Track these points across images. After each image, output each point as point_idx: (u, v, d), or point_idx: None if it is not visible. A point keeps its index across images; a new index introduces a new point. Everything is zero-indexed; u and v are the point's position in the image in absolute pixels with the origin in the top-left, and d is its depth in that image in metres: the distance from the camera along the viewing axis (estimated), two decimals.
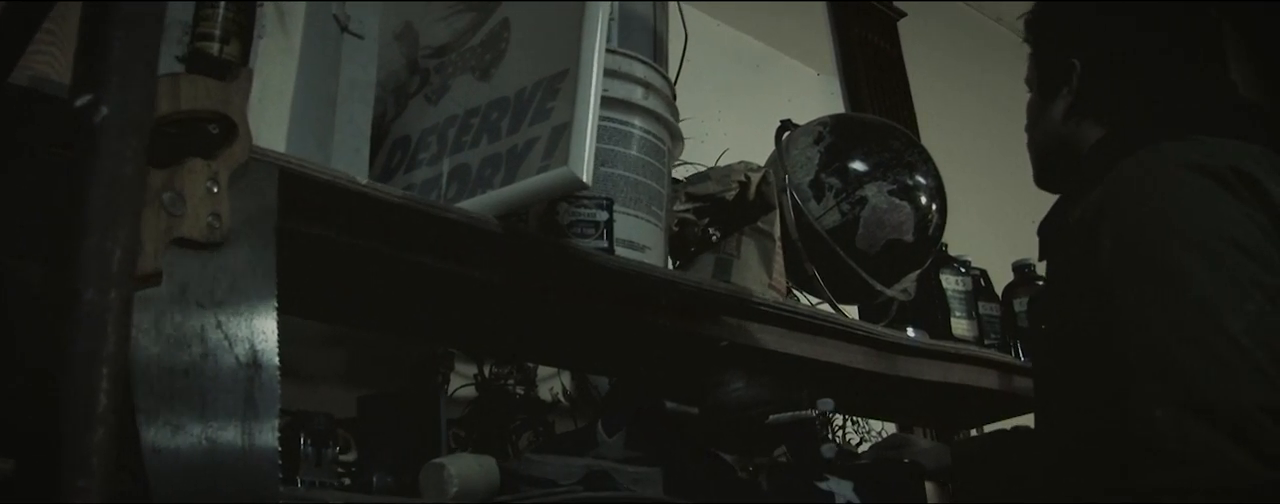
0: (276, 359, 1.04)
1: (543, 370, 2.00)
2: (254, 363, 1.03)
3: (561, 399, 2.00)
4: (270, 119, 1.26)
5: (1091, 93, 1.35)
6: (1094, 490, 1.13)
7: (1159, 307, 1.09)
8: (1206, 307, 1.07)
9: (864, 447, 2.56)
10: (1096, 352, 1.14)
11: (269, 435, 1.01)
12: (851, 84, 2.86)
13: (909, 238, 1.83)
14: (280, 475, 1.00)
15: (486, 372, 1.92)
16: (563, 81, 1.28)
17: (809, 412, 1.37)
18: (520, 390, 1.97)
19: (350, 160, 1.37)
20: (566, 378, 2.03)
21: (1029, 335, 2.03)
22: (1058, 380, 1.27)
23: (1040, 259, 1.43)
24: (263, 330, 1.05)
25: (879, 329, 1.79)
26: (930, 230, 1.86)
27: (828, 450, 1.37)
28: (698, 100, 2.51)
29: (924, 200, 1.89)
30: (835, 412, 1.47)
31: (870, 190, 1.79)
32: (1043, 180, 1.48)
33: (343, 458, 1.33)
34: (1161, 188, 1.16)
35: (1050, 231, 1.39)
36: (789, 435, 1.36)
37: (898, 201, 1.81)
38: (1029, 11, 1.50)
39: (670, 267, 1.71)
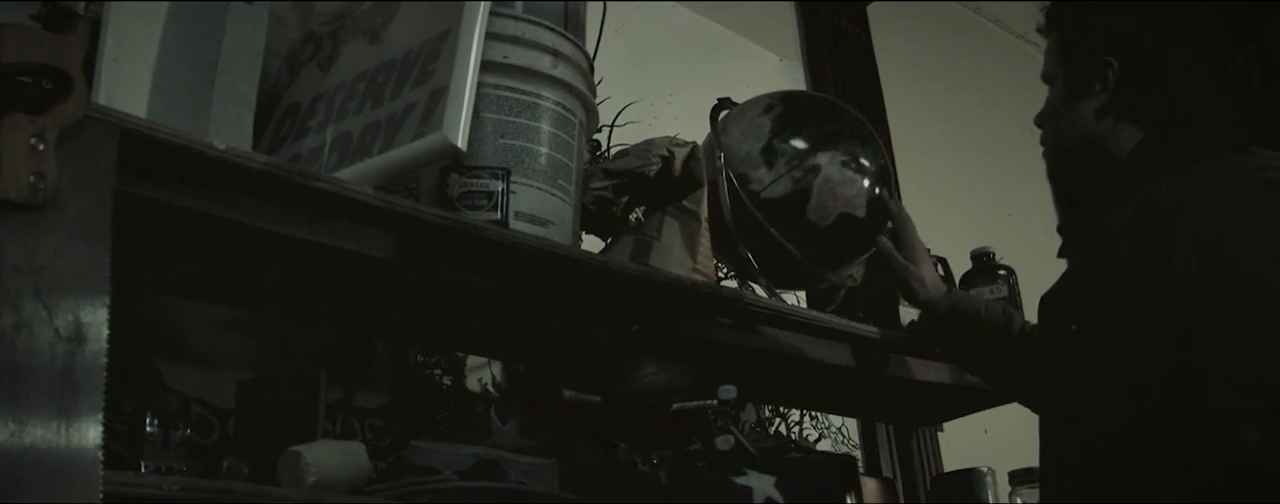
0: (105, 332, 0.96)
1: (473, 360, 1.92)
2: (78, 336, 0.95)
3: (490, 389, 1.92)
4: (130, 80, 1.18)
5: (1130, 93, 1.32)
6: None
7: (1246, 323, 1.07)
8: None
9: (824, 444, 2.48)
10: (1159, 358, 1.12)
11: (90, 419, 0.92)
12: (816, 71, 2.76)
13: (861, 213, 1.73)
14: (102, 461, 0.91)
15: (412, 360, 1.84)
16: (444, 42, 1.19)
17: (710, 401, 1.28)
18: (448, 380, 1.89)
19: (232, 129, 1.29)
20: (497, 368, 1.94)
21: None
22: (1095, 384, 1.23)
23: (1060, 256, 1.41)
24: (91, 301, 0.96)
25: (816, 315, 1.70)
26: (882, 206, 1.77)
27: (723, 442, 1.27)
28: (649, 83, 2.42)
29: (869, 183, 1.80)
30: (739, 399, 1.37)
31: (824, 159, 1.70)
32: (1060, 177, 1.44)
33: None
34: (1242, 203, 1.16)
35: (1078, 231, 1.37)
36: (689, 426, 1.27)
37: (851, 174, 1.72)
38: (1049, 3, 1.46)
39: (580, 245, 1.63)
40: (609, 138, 2.27)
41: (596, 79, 2.25)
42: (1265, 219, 1.14)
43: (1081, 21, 1.41)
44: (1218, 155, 1.22)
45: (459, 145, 1.11)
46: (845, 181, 1.72)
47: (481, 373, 1.94)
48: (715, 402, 1.28)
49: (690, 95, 2.42)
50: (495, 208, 1.27)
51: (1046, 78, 1.46)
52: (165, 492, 0.96)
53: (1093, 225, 1.34)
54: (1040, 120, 1.47)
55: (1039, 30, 1.49)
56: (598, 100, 2.26)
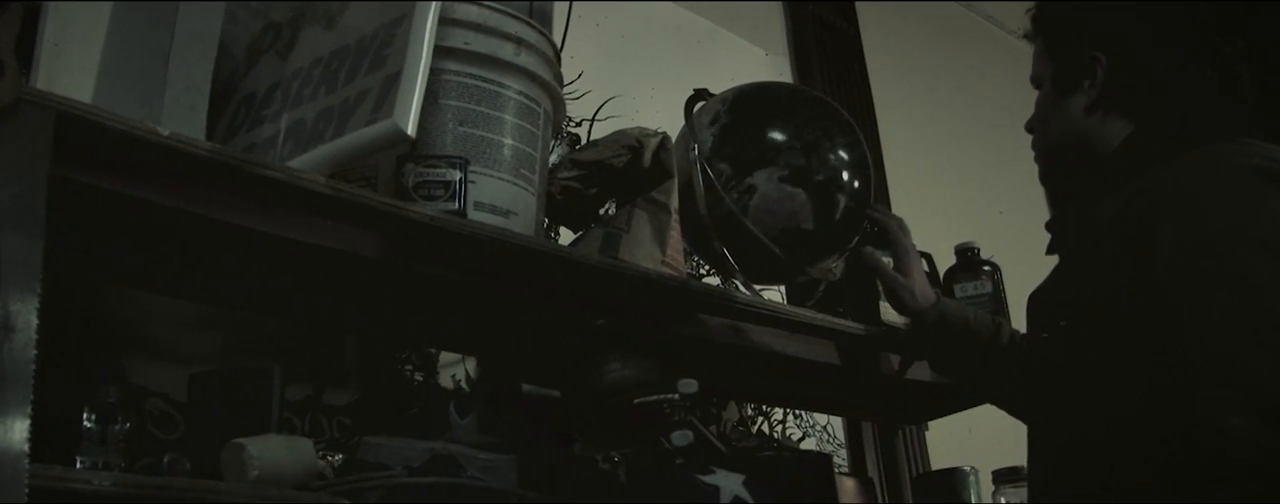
0: (35, 321, 0.93)
1: (446, 356, 1.88)
2: (6, 326, 0.91)
3: (463, 386, 1.89)
4: (73, 67, 1.15)
5: (1119, 88, 1.33)
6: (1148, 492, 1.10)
7: (1230, 313, 1.07)
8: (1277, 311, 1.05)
9: (808, 442, 2.45)
10: (1147, 353, 1.11)
11: (18, 412, 0.89)
12: (803, 66, 2.73)
13: (808, 225, 1.68)
14: (27, 455, 0.88)
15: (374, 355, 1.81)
16: (399, 27, 1.16)
17: (671, 395, 1.25)
18: (419, 376, 1.86)
19: (185, 118, 1.26)
20: (471, 364, 1.91)
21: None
22: (1084, 380, 1.22)
23: (1048, 253, 1.40)
24: (21, 289, 0.93)
25: (793, 310, 1.67)
26: (839, 213, 1.71)
27: (681, 438, 1.24)
28: (631, 77, 2.39)
29: (847, 176, 1.76)
30: (720, 397, 1.34)
31: (759, 178, 1.65)
32: (1052, 176, 1.44)
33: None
34: (1227, 192, 1.15)
35: (1067, 227, 1.37)
36: (647, 421, 1.24)
37: (790, 189, 1.67)
38: (1035, 6, 1.47)
39: (558, 238, 1.60)
40: (589, 132, 2.24)
41: (577, 73, 2.23)
42: (1250, 208, 1.13)
43: (1068, 20, 1.41)
44: (1205, 145, 1.21)
45: (408, 132, 1.08)
46: (783, 197, 1.65)
47: (455, 369, 1.92)
48: (675, 396, 1.25)
49: (673, 90, 2.39)
50: (453, 198, 1.24)
51: (1035, 80, 1.47)
52: (96, 487, 0.93)
53: (1081, 220, 1.33)
54: (1031, 125, 1.47)
55: (1026, 36, 1.49)
56: (578, 94, 2.25)
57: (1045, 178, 1.45)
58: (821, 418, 2.44)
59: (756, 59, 2.70)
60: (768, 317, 1.61)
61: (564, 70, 1.87)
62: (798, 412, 2.38)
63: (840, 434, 2.49)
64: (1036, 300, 1.40)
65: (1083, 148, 1.35)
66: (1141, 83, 1.32)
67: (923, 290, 1.61)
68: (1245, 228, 1.11)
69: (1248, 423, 1.00)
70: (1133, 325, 1.14)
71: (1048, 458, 1.31)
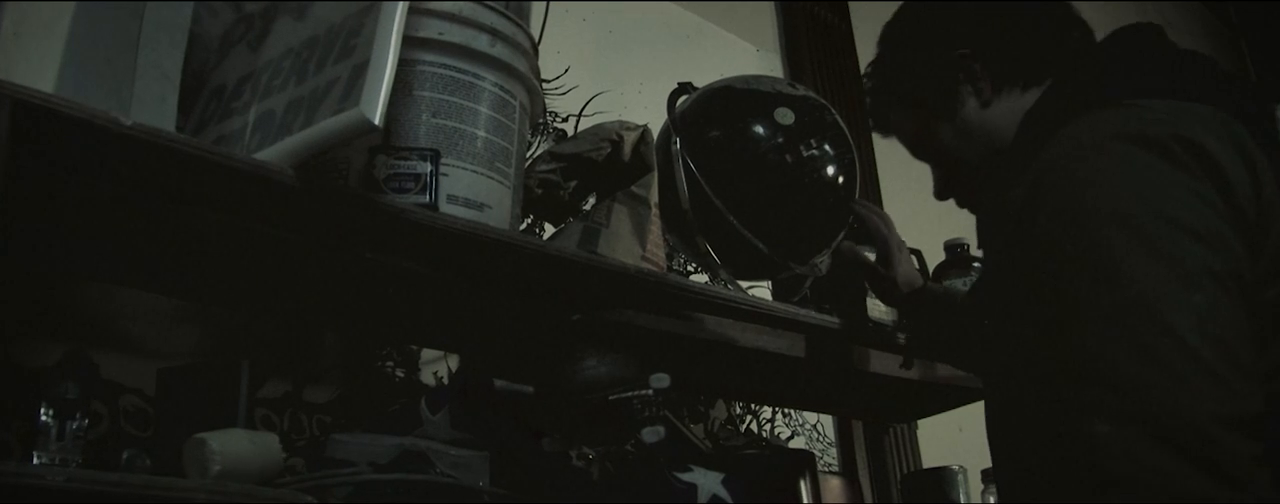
0: None
1: (428, 353, 1.86)
2: None
3: (443, 382, 1.87)
4: (33, 56, 1.13)
5: (1001, 63, 1.22)
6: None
7: (1095, 304, 0.94)
8: (1147, 303, 0.91)
9: (797, 441, 2.42)
10: (1031, 353, 1.00)
11: None
12: (795, 62, 2.71)
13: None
14: None
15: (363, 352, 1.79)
16: (367, 16, 1.14)
17: (644, 391, 1.22)
18: (400, 373, 1.84)
19: (155, 109, 1.24)
20: (454, 361, 1.89)
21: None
22: (999, 383, 1.14)
23: (979, 246, 1.28)
24: None
25: (772, 304, 1.64)
26: (824, 208, 1.70)
27: (651, 435, 1.21)
28: (620, 73, 2.37)
29: (832, 171, 1.74)
30: (708, 394, 1.32)
31: None
32: (957, 188, 1.32)
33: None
34: (1094, 165, 1.01)
35: (988, 214, 1.24)
36: (618, 418, 1.22)
37: None
38: (870, 66, 1.38)
39: (542, 233, 1.57)
40: (576, 127, 2.22)
41: (563, 68, 2.21)
42: (1121, 188, 0.98)
43: (904, 49, 1.33)
44: (1086, 113, 1.08)
45: (375, 122, 1.06)
46: None
47: (437, 366, 1.89)
48: (648, 391, 1.23)
49: (662, 85, 2.37)
50: (424, 191, 1.22)
51: (920, 149, 1.34)
52: (50, 483, 0.91)
53: (995, 207, 1.18)
54: (942, 191, 1.34)
55: (879, 129, 1.41)
56: (564, 89, 2.23)
57: (964, 201, 1.33)
58: (811, 417, 2.42)
59: (747, 55, 2.68)
60: (751, 313, 1.58)
61: (551, 65, 1.84)
62: (786, 410, 2.36)
63: (830, 433, 2.46)
64: (969, 301, 1.35)
65: (996, 146, 1.23)
66: (1022, 46, 1.22)
67: (906, 280, 1.58)
68: (1111, 207, 0.97)
69: (1116, 430, 0.88)
70: (1019, 323, 1.03)
71: (992, 454, 1.20)
